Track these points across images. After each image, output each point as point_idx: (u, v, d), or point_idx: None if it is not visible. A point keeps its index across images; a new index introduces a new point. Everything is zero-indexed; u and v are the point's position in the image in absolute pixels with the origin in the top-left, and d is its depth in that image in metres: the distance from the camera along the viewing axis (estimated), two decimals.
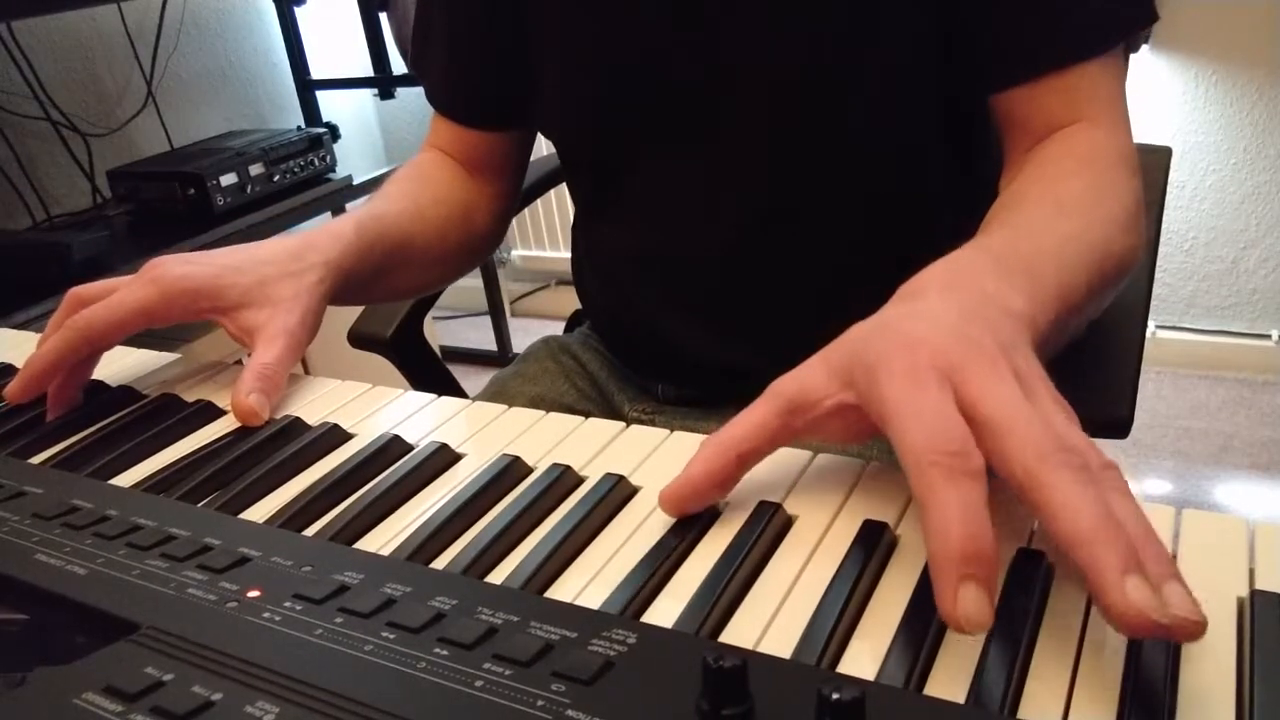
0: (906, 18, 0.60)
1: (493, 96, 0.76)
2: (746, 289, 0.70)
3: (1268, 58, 1.88)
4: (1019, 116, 0.61)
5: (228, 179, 1.75)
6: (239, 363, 0.58)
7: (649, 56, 0.66)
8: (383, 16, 2.12)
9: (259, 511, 0.44)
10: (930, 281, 0.43)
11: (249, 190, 1.79)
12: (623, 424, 0.49)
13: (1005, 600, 0.33)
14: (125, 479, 0.48)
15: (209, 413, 0.55)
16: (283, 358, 0.55)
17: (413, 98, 2.41)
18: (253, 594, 0.34)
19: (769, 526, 0.38)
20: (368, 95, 2.57)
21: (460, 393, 0.93)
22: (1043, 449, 0.32)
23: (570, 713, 0.27)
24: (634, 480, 0.43)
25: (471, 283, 2.16)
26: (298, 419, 0.52)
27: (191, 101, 2.16)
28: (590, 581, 0.37)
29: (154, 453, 0.51)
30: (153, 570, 0.36)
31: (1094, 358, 0.73)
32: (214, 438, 0.51)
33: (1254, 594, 0.32)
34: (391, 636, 0.31)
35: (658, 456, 0.45)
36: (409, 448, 0.48)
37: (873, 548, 0.36)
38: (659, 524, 0.40)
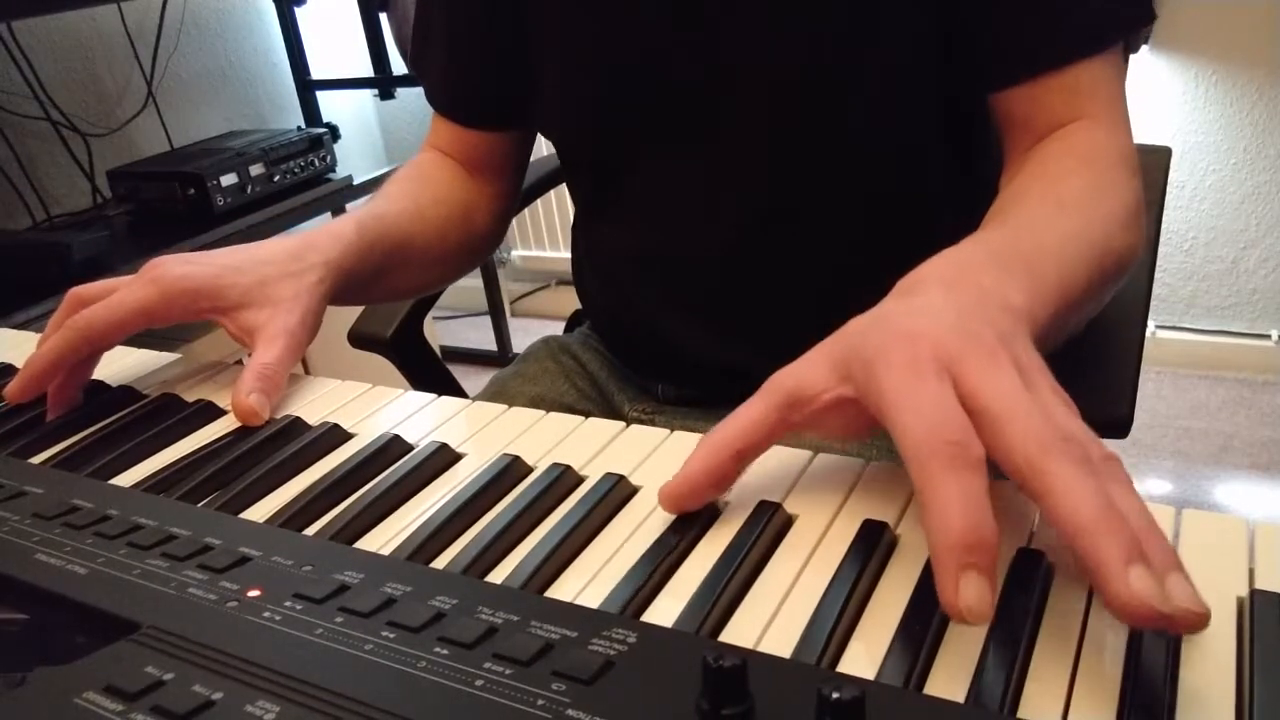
0: (906, 18, 0.60)
1: (492, 96, 0.76)
2: (746, 289, 0.70)
3: (1268, 58, 1.88)
4: (1019, 116, 0.61)
5: (228, 179, 1.75)
6: (239, 363, 0.58)
7: (649, 56, 0.66)
8: (383, 16, 2.12)
9: (259, 511, 0.44)
10: (929, 276, 0.43)
11: (249, 190, 1.79)
12: (623, 424, 0.49)
13: (1005, 600, 0.33)
14: (125, 479, 0.48)
15: (209, 413, 0.55)
16: (283, 358, 0.55)
17: (413, 98, 2.41)
18: (253, 593, 0.34)
19: (769, 526, 0.38)
20: (368, 95, 2.57)
21: (460, 393, 0.93)
22: (1044, 439, 0.32)
23: (570, 712, 0.27)
24: (634, 480, 0.43)
25: (471, 283, 2.16)
26: (298, 419, 0.52)
27: (191, 101, 2.16)
28: (590, 581, 0.37)
29: (154, 453, 0.51)
30: (153, 570, 0.36)
31: (1094, 357, 0.73)
32: (214, 438, 0.51)
33: (1254, 594, 0.32)
34: (392, 636, 0.31)
35: (658, 456, 0.45)
36: (409, 447, 0.48)
37: (872, 547, 0.36)
38: (659, 523, 0.40)
